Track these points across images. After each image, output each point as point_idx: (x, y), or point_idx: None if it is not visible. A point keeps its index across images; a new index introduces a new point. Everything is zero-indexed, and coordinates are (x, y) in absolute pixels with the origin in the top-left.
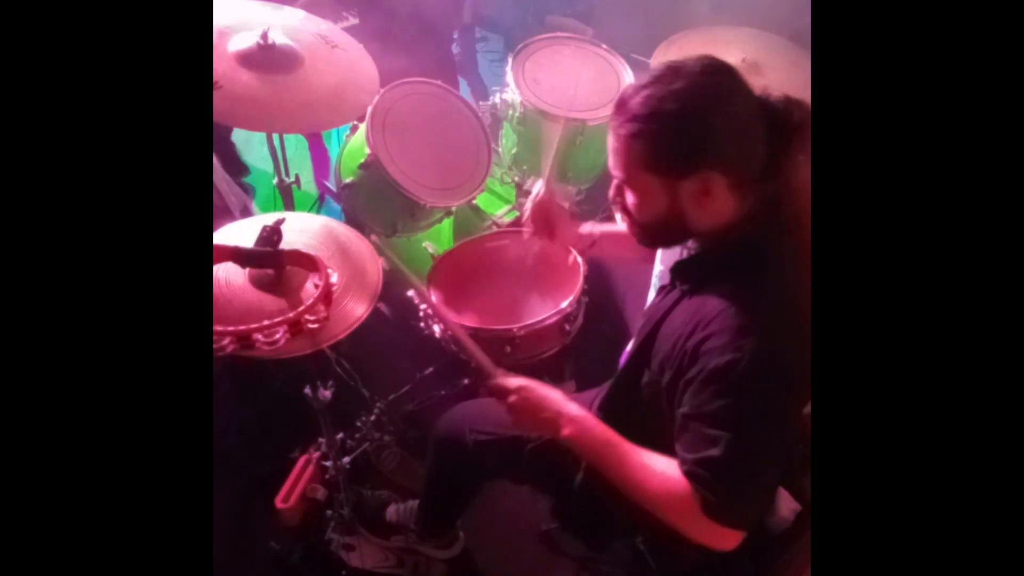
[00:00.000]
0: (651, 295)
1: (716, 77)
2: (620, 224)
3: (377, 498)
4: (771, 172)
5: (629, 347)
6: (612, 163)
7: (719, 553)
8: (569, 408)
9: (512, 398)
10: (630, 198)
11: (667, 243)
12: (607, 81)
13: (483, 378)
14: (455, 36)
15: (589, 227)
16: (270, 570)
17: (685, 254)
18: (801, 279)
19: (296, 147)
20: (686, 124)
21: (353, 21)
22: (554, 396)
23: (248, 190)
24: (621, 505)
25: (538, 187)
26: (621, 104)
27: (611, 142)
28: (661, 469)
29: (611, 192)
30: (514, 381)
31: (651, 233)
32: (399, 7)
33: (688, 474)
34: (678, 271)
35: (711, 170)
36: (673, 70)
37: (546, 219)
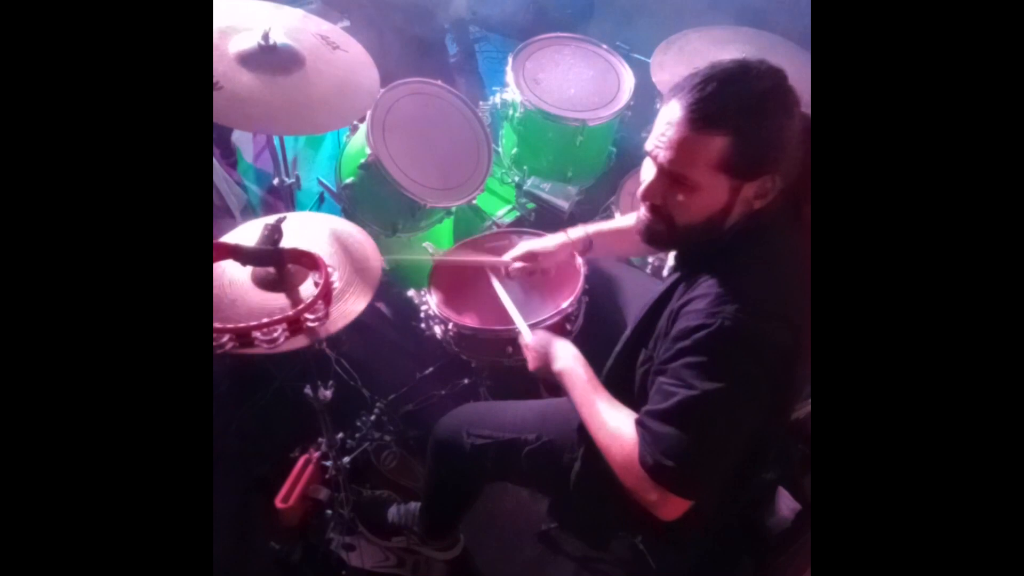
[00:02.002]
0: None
1: (786, 83)
2: (614, 221)
3: (377, 498)
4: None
5: (627, 332)
6: (673, 158)
7: (719, 553)
8: (566, 347)
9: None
10: (681, 196)
11: (690, 243)
12: (607, 81)
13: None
14: (453, 36)
15: (581, 230)
16: (270, 570)
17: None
18: (795, 264)
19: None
20: (771, 126)
21: (345, 23)
22: (558, 339)
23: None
24: (617, 502)
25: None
26: (698, 101)
27: (681, 137)
28: (621, 418)
29: (645, 191)
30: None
31: (686, 233)
32: (389, 7)
33: (637, 422)
34: (682, 256)
35: (776, 174)
36: (754, 71)
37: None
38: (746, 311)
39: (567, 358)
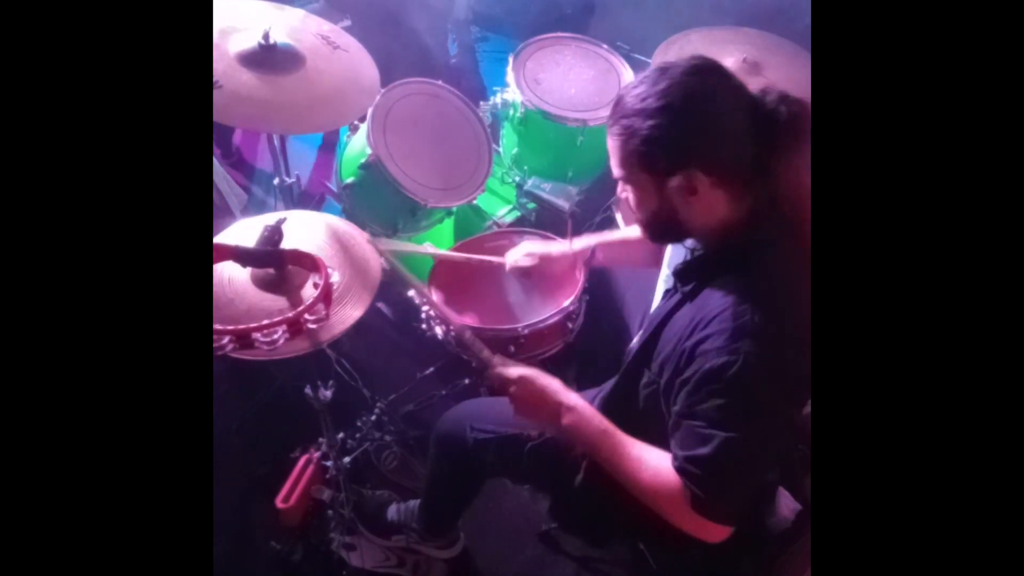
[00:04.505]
0: (656, 298)
1: (701, 76)
2: (620, 231)
3: (378, 498)
4: (762, 171)
5: (632, 347)
6: (612, 161)
7: (719, 553)
8: (569, 397)
9: (512, 388)
10: (630, 195)
11: (669, 239)
12: (607, 81)
13: (484, 368)
14: (453, 36)
15: (584, 241)
16: (270, 570)
17: (689, 257)
18: (801, 279)
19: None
20: (667, 122)
21: (346, 23)
22: (554, 385)
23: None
24: (621, 506)
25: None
26: (616, 103)
27: (608, 140)
28: (654, 463)
29: (619, 189)
30: (514, 371)
31: (652, 229)
32: (390, 7)
33: (679, 470)
34: (680, 274)
35: (693, 168)
36: (661, 70)
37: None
38: (762, 344)
39: (576, 408)
